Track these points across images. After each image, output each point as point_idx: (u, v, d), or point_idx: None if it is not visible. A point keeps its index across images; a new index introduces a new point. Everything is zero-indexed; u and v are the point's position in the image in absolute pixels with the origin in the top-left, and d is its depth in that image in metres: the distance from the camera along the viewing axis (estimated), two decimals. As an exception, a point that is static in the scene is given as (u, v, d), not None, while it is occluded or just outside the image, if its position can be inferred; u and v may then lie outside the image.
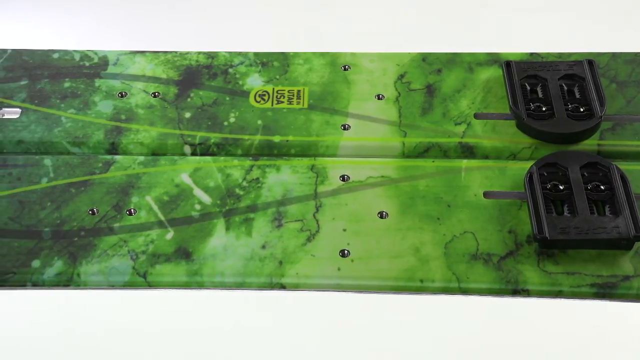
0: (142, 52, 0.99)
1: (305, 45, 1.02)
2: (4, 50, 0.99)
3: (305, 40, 1.06)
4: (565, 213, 0.80)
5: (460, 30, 1.10)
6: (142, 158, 0.88)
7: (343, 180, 0.85)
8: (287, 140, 0.89)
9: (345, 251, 0.79)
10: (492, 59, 0.97)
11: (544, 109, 0.88)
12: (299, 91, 0.94)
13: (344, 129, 0.90)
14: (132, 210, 0.83)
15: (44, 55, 0.99)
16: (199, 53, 0.99)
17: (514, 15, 1.12)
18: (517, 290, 0.77)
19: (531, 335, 0.76)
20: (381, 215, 0.82)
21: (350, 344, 0.76)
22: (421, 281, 0.77)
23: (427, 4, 1.15)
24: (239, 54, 0.99)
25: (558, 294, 0.77)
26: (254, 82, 0.95)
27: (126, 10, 1.16)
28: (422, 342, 0.76)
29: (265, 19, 1.13)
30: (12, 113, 0.92)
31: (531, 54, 0.97)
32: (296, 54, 0.98)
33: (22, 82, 0.95)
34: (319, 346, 0.76)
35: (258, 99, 0.93)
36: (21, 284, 0.79)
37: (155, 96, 0.94)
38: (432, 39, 1.08)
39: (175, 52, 0.99)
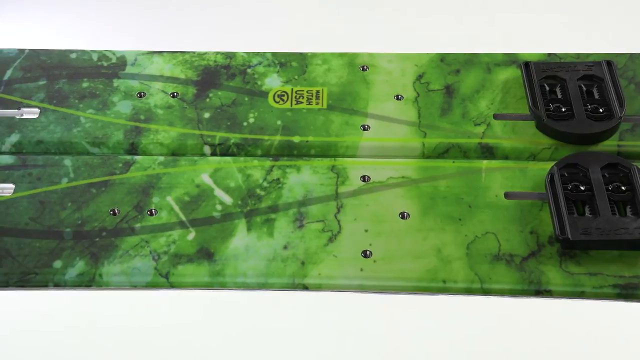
0: (160, 52, 0.99)
1: (322, 46, 1.02)
2: (22, 50, 0.99)
3: (321, 40, 1.06)
4: (586, 214, 0.80)
5: (475, 30, 1.10)
6: (162, 158, 0.88)
7: (364, 180, 0.85)
8: (307, 141, 0.89)
9: (368, 252, 0.79)
10: (510, 59, 0.97)
11: (563, 109, 0.88)
12: (317, 91, 0.94)
13: (364, 129, 0.90)
14: (153, 210, 0.83)
15: (62, 55, 0.99)
16: (217, 53, 0.99)
17: (529, 16, 1.12)
18: (540, 291, 0.77)
19: (552, 336, 0.76)
20: (402, 215, 0.82)
21: (370, 345, 0.76)
22: (444, 282, 0.77)
23: (442, 4, 1.15)
24: (257, 54, 0.99)
25: (580, 295, 0.77)
26: (273, 82, 0.95)
27: (138, 10, 1.15)
28: (441, 343, 0.76)
29: (279, 20, 1.13)
30: (30, 113, 0.92)
31: (549, 54, 0.97)
32: (314, 55, 0.98)
33: (41, 82, 0.95)
34: (337, 347, 0.76)
35: (277, 99, 0.93)
36: (43, 285, 0.79)
37: (174, 96, 0.94)
38: (448, 39, 1.08)
39: (193, 52, 0.99)
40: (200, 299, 0.79)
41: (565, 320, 0.77)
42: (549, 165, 0.85)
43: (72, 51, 0.99)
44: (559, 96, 0.90)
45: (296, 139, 0.89)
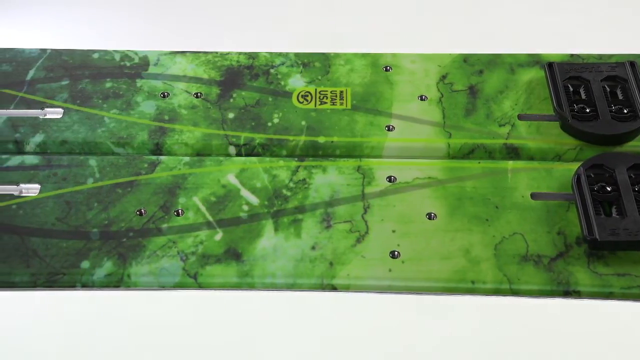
0: (183, 53, 0.99)
1: (342, 46, 1.01)
2: (44, 50, 0.99)
3: (342, 40, 1.05)
4: (613, 214, 0.80)
5: (495, 30, 1.10)
6: (187, 159, 0.88)
7: (390, 181, 0.85)
8: (332, 141, 0.89)
9: (396, 252, 0.79)
10: (533, 60, 0.97)
11: (587, 110, 0.88)
12: (341, 92, 0.94)
13: (388, 129, 0.90)
14: (180, 210, 0.83)
15: (84, 55, 0.98)
16: (240, 53, 0.99)
17: (549, 16, 1.12)
18: (569, 292, 0.77)
19: (579, 337, 0.76)
20: (430, 216, 0.82)
21: (395, 346, 0.76)
22: (472, 282, 0.77)
23: (460, 4, 1.14)
24: (280, 54, 0.99)
25: (609, 296, 0.77)
26: (296, 82, 0.95)
27: (155, 10, 1.15)
28: (464, 343, 0.76)
29: (299, 20, 1.13)
30: (54, 113, 0.92)
31: (571, 55, 0.97)
32: (337, 55, 0.98)
33: (63, 82, 0.95)
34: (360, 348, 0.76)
35: (301, 99, 0.93)
36: (71, 285, 0.79)
37: (197, 96, 0.94)
38: (468, 39, 1.08)
39: (216, 52, 0.99)
40: (216, 299, 0.79)
41: (592, 321, 0.77)
42: (574, 166, 0.85)
43: (94, 51, 0.99)
44: (583, 97, 0.90)
45: (321, 139, 0.89)
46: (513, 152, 0.88)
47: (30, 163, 0.87)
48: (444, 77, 0.95)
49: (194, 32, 1.08)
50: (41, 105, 0.93)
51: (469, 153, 0.88)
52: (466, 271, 0.78)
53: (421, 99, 0.93)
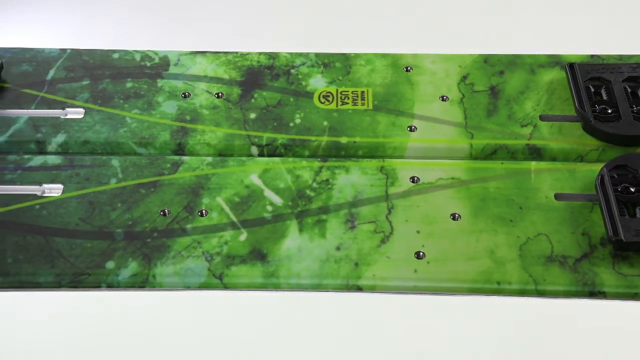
0: (203, 53, 0.99)
1: (359, 46, 1.01)
2: (64, 50, 0.99)
3: (360, 41, 1.05)
4: (637, 215, 0.80)
5: (514, 31, 1.10)
6: (210, 159, 0.88)
7: (413, 181, 0.85)
8: (355, 142, 0.89)
9: (421, 253, 0.79)
10: (553, 60, 0.97)
11: (609, 111, 0.88)
12: (362, 92, 0.94)
13: (410, 130, 0.90)
14: (204, 211, 0.83)
15: (104, 55, 0.98)
16: (260, 54, 0.99)
17: (566, 17, 1.12)
18: (594, 293, 0.77)
19: (604, 338, 0.76)
20: (454, 217, 0.82)
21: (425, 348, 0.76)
22: (498, 283, 0.77)
23: (478, 5, 1.14)
24: (300, 54, 0.99)
25: (634, 297, 0.77)
26: (317, 83, 0.95)
27: (169, 10, 1.15)
28: (489, 344, 0.76)
29: (315, 20, 1.13)
30: (75, 113, 0.92)
31: (592, 56, 0.97)
32: (357, 55, 0.98)
33: (84, 82, 0.95)
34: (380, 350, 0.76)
35: (322, 99, 0.93)
36: (96, 285, 0.79)
37: (219, 97, 0.94)
38: (485, 39, 1.08)
39: (236, 52, 0.99)
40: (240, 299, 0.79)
41: (618, 322, 0.77)
42: (597, 166, 0.85)
43: (114, 51, 0.99)
44: (605, 98, 0.91)
45: (343, 139, 0.89)
46: (535, 153, 0.88)
47: (53, 163, 0.87)
48: (464, 77, 0.95)
49: (214, 32, 1.08)
50: (62, 105, 0.93)
51: (491, 154, 0.88)
52: (491, 272, 0.78)
53: (442, 100, 0.93)
